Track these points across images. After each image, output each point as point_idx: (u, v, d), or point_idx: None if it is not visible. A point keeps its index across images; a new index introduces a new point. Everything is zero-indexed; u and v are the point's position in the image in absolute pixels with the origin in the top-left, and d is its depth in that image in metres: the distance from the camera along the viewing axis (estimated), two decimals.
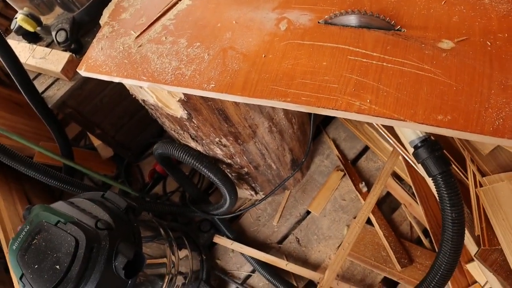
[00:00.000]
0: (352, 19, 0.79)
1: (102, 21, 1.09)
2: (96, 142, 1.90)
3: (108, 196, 1.14)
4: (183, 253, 1.49)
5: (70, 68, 1.43)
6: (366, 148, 1.79)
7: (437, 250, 0.99)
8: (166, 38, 0.92)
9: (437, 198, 0.93)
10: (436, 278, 0.98)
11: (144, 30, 0.97)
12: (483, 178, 1.08)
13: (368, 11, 0.77)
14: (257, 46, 0.83)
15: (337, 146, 1.81)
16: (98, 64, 0.95)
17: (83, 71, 0.96)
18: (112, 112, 1.74)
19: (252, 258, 1.62)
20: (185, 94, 0.90)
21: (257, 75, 0.78)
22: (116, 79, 0.92)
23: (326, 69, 0.74)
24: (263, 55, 0.80)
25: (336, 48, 0.77)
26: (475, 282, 1.30)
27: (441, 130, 0.66)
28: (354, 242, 1.35)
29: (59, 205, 1.07)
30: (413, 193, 1.49)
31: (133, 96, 1.09)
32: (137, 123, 1.92)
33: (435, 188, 0.90)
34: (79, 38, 1.50)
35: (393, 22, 0.76)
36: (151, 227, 1.36)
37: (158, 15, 0.98)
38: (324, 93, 0.72)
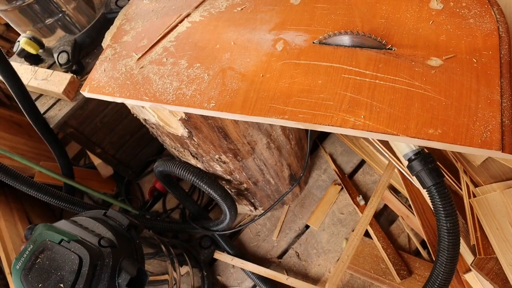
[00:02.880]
0: (346, 39, 0.83)
1: (104, 43, 1.12)
2: (96, 161, 1.92)
3: (110, 214, 1.16)
4: (184, 269, 1.49)
5: (71, 89, 1.47)
6: (362, 162, 1.82)
7: (434, 260, 1.01)
8: (167, 59, 0.96)
9: (432, 209, 0.95)
10: None
11: (146, 52, 1.00)
12: (476, 188, 1.11)
13: (360, 31, 0.81)
14: (255, 66, 0.86)
15: (334, 161, 1.84)
16: (101, 85, 0.98)
17: (86, 92, 0.99)
18: (113, 132, 1.77)
19: (253, 273, 1.63)
20: (186, 113, 0.93)
21: (255, 94, 0.81)
22: (119, 100, 0.95)
23: (322, 87, 0.78)
24: (261, 75, 0.84)
25: (330, 67, 0.81)
26: None
27: (432, 144, 0.69)
28: (353, 255, 1.36)
29: (62, 224, 1.08)
30: (409, 205, 1.52)
31: (135, 116, 1.12)
32: (137, 142, 1.94)
33: (430, 199, 0.93)
34: (80, 60, 1.54)
35: (384, 41, 0.80)
36: (153, 244, 1.37)
37: (159, 37, 1.02)
38: (320, 110, 0.75)
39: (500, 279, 1.08)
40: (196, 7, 1.06)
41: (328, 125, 0.73)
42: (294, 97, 0.78)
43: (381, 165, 1.69)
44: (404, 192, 1.50)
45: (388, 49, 0.80)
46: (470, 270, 1.26)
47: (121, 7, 1.50)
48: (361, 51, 0.81)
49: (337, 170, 1.79)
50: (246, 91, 0.82)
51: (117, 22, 1.17)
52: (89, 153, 1.85)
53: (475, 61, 0.74)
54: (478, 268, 1.09)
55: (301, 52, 0.85)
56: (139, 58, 1.00)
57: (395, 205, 1.63)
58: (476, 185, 1.13)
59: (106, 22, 1.56)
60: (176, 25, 1.04)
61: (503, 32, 0.77)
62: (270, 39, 0.90)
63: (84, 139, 1.66)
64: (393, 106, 0.72)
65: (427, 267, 1.48)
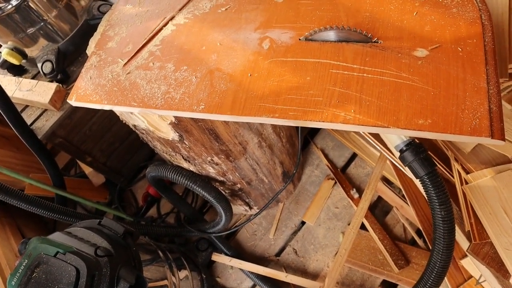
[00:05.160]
0: (331, 35, 0.83)
1: (89, 51, 1.11)
2: (87, 169, 1.90)
3: (104, 222, 1.14)
4: (183, 273, 1.49)
5: (57, 98, 1.45)
6: (354, 155, 1.83)
7: (430, 249, 1.02)
8: (153, 63, 0.95)
9: (426, 198, 0.96)
10: (432, 276, 1.00)
11: (131, 58, 0.99)
12: (468, 175, 1.13)
13: (346, 26, 0.82)
14: (243, 66, 0.86)
15: (326, 156, 1.85)
16: (88, 93, 0.97)
17: (73, 102, 0.98)
18: (102, 139, 1.75)
19: (252, 273, 1.63)
20: (175, 117, 0.92)
21: (244, 94, 0.81)
22: (107, 107, 0.94)
23: (310, 84, 0.78)
24: (249, 74, 0.84)
25: (318, 63, 0.81)
26: (471, 277, 1.34)
27: (423, 134, 0.69)
28: (351, 248, 1.37)
29: (57, 236, 1.07)
30: (403, 196, 1.53)
31: (124, 122, 1.11)
32: (128, 148, 1.93)
33: (423, 189, 0.93)
34: (65, 68, 1.51)
35: (369, 34, 0.80)
36: (149, 250, 1.36)
37: (144, 41, 1.01)
38: (310, 107, 0.75)
39: (495, 262, 1.09)
40: (180, 10, 1.05)
41: (319, 121, 0.73)
42: (284, 95, 0.78)
43: (373, 157, 1.71)
44: (397, 182, 1.51)
45: (374, 42, 0.81)
46: (466, 256, 1.28)
47: (103, 13, 1.48)
48: (347, 46, 0.82)
49: (329, 165, 1.79)
50: (235, 92, 0.82)
51: (100, 28, 1.15)
52: (79, 162, 1.83)
53: (460, 50, 0.75)
54: (474, 253, 1.11)
55: (287, 49, 0.85)
56: (125, 64, 0.99)
57: (389, 196, 1.65)
58: (467, 172, 1.14)
59: (89, 29, 1.53)
60: (161, 29, 1.03)
61: (486, 20, 0.78)
62: (256, 38, 0.90)
63: (74, 149, 1.63)
64: (382, 98, 0.73)
65: (424, 255, 1.49)
